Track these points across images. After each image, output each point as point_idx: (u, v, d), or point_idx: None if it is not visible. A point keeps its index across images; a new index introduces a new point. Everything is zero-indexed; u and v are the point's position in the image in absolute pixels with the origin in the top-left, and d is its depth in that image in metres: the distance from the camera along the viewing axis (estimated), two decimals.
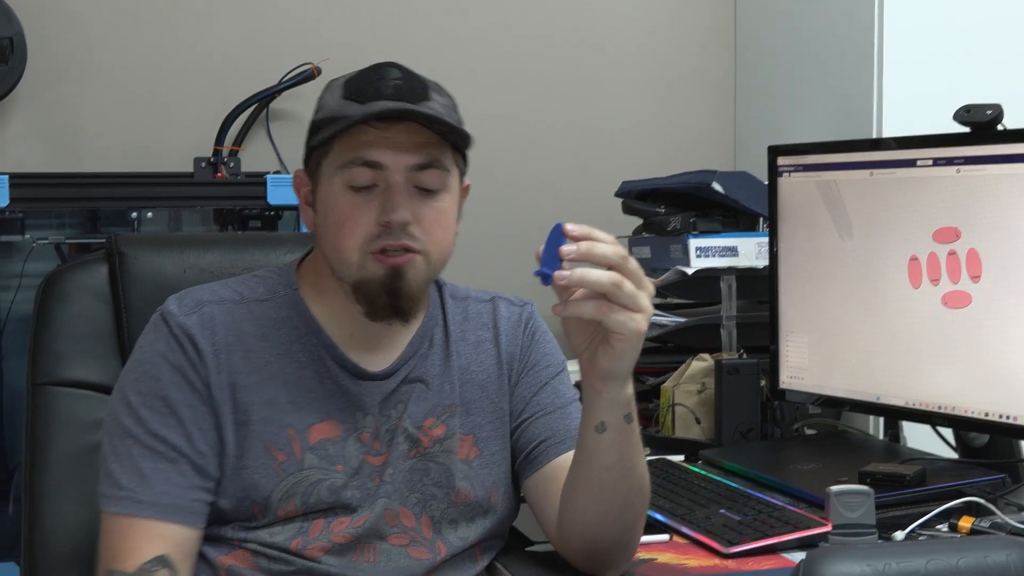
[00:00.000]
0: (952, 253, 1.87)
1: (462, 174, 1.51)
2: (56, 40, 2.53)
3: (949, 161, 1.87)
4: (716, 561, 1.57)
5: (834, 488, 1.64)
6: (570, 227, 1.28)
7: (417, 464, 1.50)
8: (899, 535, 1.64)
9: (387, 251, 1.42)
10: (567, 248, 1.27)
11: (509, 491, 1.57)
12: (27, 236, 2.35)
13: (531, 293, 1.72)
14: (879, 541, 1.61)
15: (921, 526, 1.66)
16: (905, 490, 1.73)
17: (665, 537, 1.66)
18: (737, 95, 2.89)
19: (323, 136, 1.43)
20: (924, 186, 1.90)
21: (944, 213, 1.88)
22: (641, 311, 1.31)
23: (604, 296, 1.28)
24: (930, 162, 1.90)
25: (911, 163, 1.93)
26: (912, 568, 1.16)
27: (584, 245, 1.28)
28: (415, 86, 1.44)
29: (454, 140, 1.45)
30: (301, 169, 1.52)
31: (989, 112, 1.84)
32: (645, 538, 1.64)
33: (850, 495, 1.63)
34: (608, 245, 1.29)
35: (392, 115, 1.41)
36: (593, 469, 1.42)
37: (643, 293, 1.31)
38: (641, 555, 1.57)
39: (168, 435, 1.42)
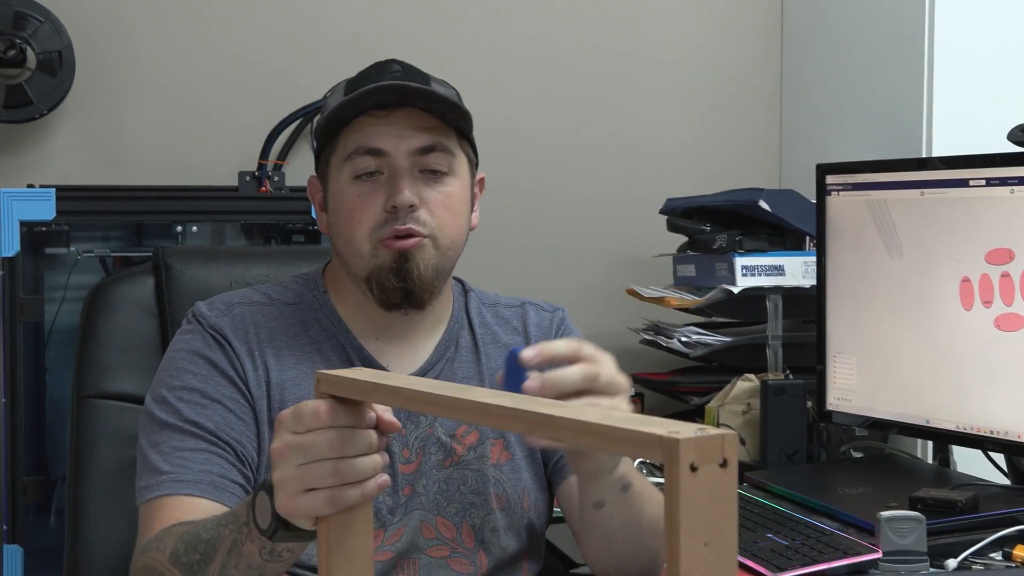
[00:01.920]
0: (1006, 275, 1.84)
1: (472, 163, 1.52)
2: (104, 54, 2.54)
3: (1003, 181, 1.84)
4: None
5: (884, 514, 1.62)
6: (526, 355, 1.15)
7: (453, 474, 1.49)
8: (951, 563, 1.61)
9: (395, 237, 1.42)
10: (530, 385, 1.13)
11: (541, 498, 1.55)
12: (72, 249, 2.36)
13: (571, 304, 1.71)
14: (931, 570, 1.58)
15: (974, 554, 1.63)
16: (957, 516, 1.69)
17: None
18: (783, 112, 2.86)
19: (323, 129, 1.45)
20: (977, 206, 1.87)
21: (997, 234, 1.84)
22: (622, 392, 1.20)
23: (579, 393, 1.17)
24: (983, 182, 1.87)
25: (963, 183, 1.90)
26: None
27: (548, 380, 1.15)
28: (414, 76, 1.46)
29: (455, 122, 1.45)
30: (314, 176, 1.54)
31: None
32: None
33: (901, 521, 1.61)
34: (573, 370, 1.16)
35: (388, 100, 1.42)
36: (598, 534, 1.42)
37: (616, 373, 1.20)
38: None
39: (206, 422, 1.41)
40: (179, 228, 2.36)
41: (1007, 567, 1.61)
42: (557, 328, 1.60)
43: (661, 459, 0.70)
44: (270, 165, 2.51)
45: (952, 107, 2.31)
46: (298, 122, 2.55)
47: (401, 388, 0.99)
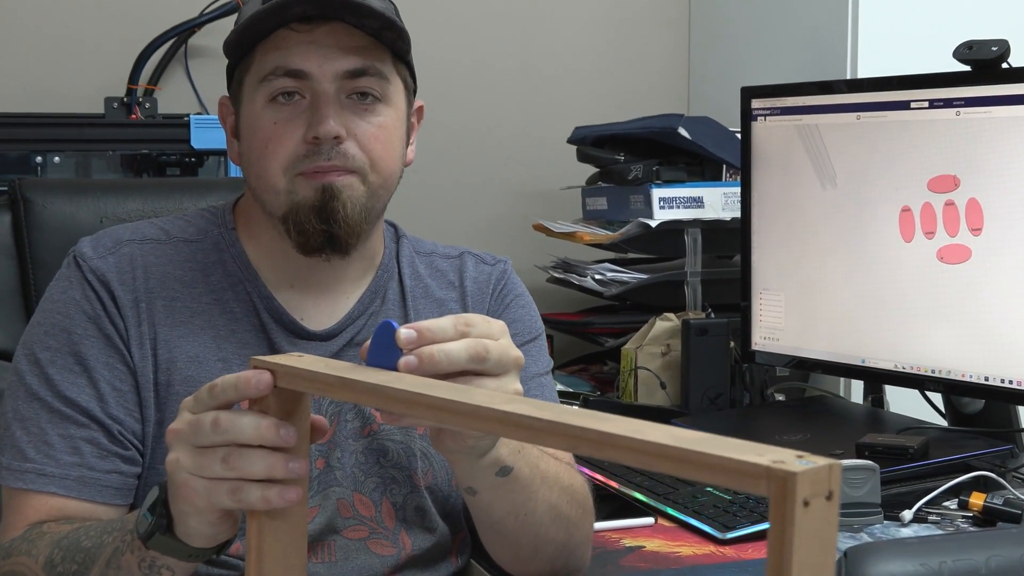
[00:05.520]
0: (950, 203, 1.72)
1: (410, 91, 1.33)
2: None
3: (948, 103, 1.72)
4: (711, 548, 1.41)
5: None
6: (403, 336, 0.95)
7: (372, 444, 1.31)
8: (907, 515, 1.49)
9: (318, 172, 1.24)
10: (407, 362, 0.94)
11: None
12: None
13: (475, 241, 1.55)
14: (885, 522, 1.46)
15: (928, 503, 1.51)
16: (908, 464, 1.58)
17: (650, 520, 1.49)
18: (691, 34, 2.70)
19: (236, 44, 1.26)
20: (919, 130, 1.75)
21: (941, 160, 1.72)
22: (513, 370, 1.01)
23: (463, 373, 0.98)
24: (926, 104, 1.74)
25: (904, 105, 1.77)
26: (971, 566, 1.00)
27: (427, 356, 0.95)
28: None
29: (391, 40, 1.26)
30: (226, 96, 1.34)
31: (995, 48, 1.68)
32: (629, 522, 1.49)
33: (854, 471, 1.49)
34: (457, 347, 0.97)
35: (312, 12, 1.22)
36: (483, 522, 1.23)
37: (506, 342, 1.01)
38: (627, 542, 1.41)
39: (78, 397, 1.24)
40: (39, 159, 2.11)
41: (964, 517, 1.49)
42: (495, 284, 1.41)
43: (766, 492, 0.64)
44: (140, 90, 2.28)
45: (879, 24, 2.17)
46: (172, 42, 2.31)
47: (381, 386, 0.86)
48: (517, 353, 1.02)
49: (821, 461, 0.66)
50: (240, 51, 1.27)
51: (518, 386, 1.02)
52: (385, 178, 1.28)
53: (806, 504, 0.64)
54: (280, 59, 1.23)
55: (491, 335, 1.00)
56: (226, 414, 0.93)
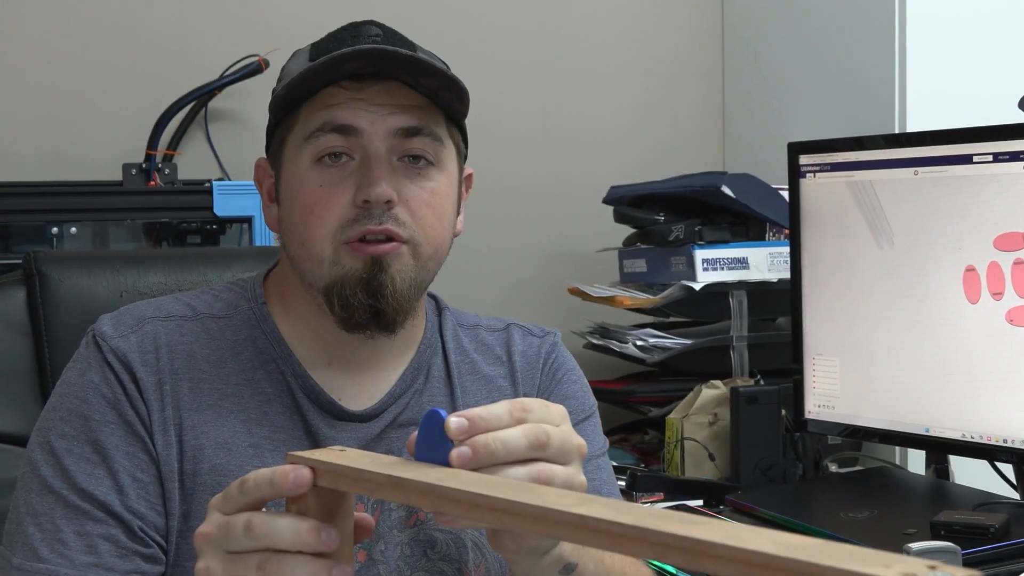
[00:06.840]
0: (1019, 262, 1.62)
1: (461, 156, 1.24)
2: None
3: (1014, 156, 1.63)
4: None
5: (915, 546, 1.39)
6: (454, 426, 0.86)
7: (419, 535, 1.20)
8: None
9: (366, 239, 1.15)
10: (461, 454, 0.85)
11: None
12: None
13: (507, 306, 1.46)
14: None
15: None
16: (991, 545, 1.46)
17: None
18: (726, 87, 2.62)
19: (282, 101, 1.17)
20: (983, 185, 1.66)
21: (1009, 216, 1.63)
22: (576, 458, 0.92)
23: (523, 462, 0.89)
24: (990, 158, 1.65)
25: (966, 159, 1.68)
26: None
27: (483, 447, 0.86)
28: (398, 42, 1.18)
29: (448, 102, 1.18)
30: (263, 158, 1.25)
31: None
32: None
33: (934, 555, 1.37)
34: (515, 434, 0.88)
35: (367, 70, 1.14)
36: None
37: (567, 428, 0.92)
38: None
39: (96, 489, 1.13)
40: (55, 230, 2.03)
41: None
42: (546, 358, 1.32)
43: None
44: (159, 156, 2.20)
45: (929, 74, 2.09)
46: (191, 105, 2.24)
47: (436, 485, 0.78)
48: (580, 440, 0.93)
49: (960, 572, 0.57)
50: (284, 110, 1.19)
51: (583, 478, 0.92)
52: (435, 249, 1.19)
53: None
54: (328, 115, 1.15)
55: (550, 420, 0.91)
56: (260, 516, 0.84)
